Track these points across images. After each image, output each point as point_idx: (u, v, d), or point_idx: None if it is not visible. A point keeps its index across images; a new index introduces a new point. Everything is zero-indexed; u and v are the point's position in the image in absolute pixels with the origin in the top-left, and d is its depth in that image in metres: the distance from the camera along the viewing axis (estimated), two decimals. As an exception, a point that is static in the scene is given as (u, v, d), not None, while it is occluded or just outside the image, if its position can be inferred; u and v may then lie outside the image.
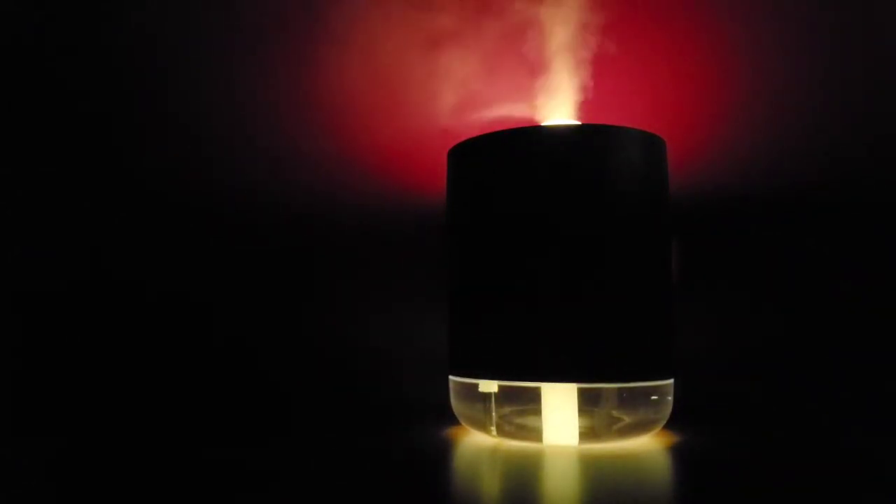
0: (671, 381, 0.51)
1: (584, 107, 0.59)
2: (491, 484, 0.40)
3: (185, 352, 0.72)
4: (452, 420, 0.57)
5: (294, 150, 0.72)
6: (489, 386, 0.50)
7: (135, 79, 0.73)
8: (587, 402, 0.48)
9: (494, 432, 0.50)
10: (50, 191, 0.73)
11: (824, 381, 0.64)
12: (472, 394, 0.51)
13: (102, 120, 0.74)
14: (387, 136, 0.71)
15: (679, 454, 0.47)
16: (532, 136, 0.51)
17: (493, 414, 0.50)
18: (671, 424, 0.54)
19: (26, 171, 0.74)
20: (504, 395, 0.50)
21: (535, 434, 0.49)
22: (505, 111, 0.68)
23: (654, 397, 0.49)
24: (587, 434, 0.48)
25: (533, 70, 0.65)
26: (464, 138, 0.54)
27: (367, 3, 0.71)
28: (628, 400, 0.49)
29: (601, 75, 0.66)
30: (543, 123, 0.59)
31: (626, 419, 0.49)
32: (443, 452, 0.48)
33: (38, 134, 0.74)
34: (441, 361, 0.57)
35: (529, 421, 0.50)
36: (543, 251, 0.48)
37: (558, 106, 0.59)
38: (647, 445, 0.49)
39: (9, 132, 0.74)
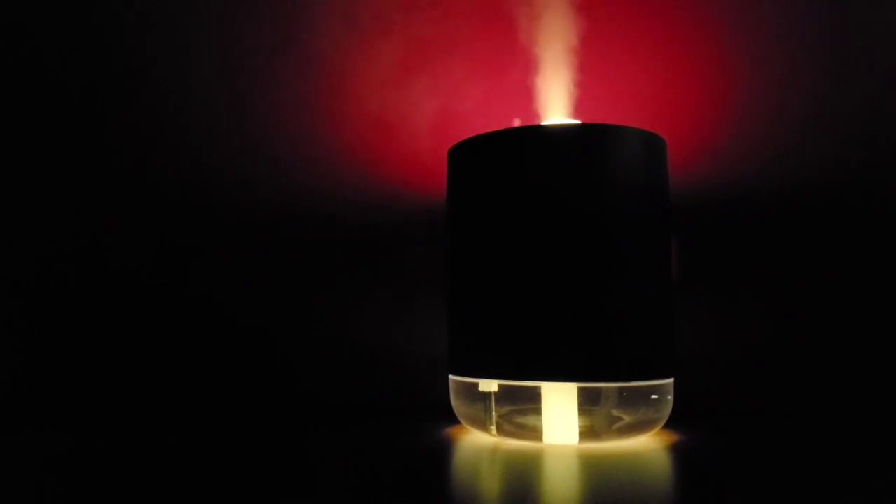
0: (671, 380, 0.51)
1: (585, 106, 0.59)
2: (491, 483, 0.40)
3: (183, 352, 0.72)
4: (452, 420, 0.57)
5: (294, 149, 0.72)
6: (489, 385, 0.50)
7: (136, 78, 0.73)
8: (587, 402, 0.48)
9: (494, 432, 0.50)
10: (56, 191, 0.73)
11: (824, 380, 0.64)
12: (472, 393, 0.51)
13: (107, 120, 0.74)
14: (387, 135, 0.71)
15: (679, 454, 0.47)
16: (532, 136, 0.50)
17: (493, 413, 0.50)
18: (671, 424, 0.54)
19: (26, 169, 0.74)
20: (504, 395, 0.50)
21: (535, 433, 0.49)
22: (504, 110, 0.68)
23: (654, 397, 0.49)
24: (587, 433, 0.48)
25: (533, 69, 0.65)
26: (463, 137, 0.54)
27: (368, 5, 0.71)
28: (628, 399, 0.49)
29: (602, 75, 0.66)
30: (543, 123, 0.58)
31: (626, 418, 0.49)
32: (443, 452, 0.48)
33: (38, 132, 0.74)
34: (441, 361, 0.57)
35: (529, 420, 0.49)
36: (543, 251, 0.48)
37: (558, 105, 0.59)
38: (647, 445, 0.49)
39: (7, 130, 0.74)
